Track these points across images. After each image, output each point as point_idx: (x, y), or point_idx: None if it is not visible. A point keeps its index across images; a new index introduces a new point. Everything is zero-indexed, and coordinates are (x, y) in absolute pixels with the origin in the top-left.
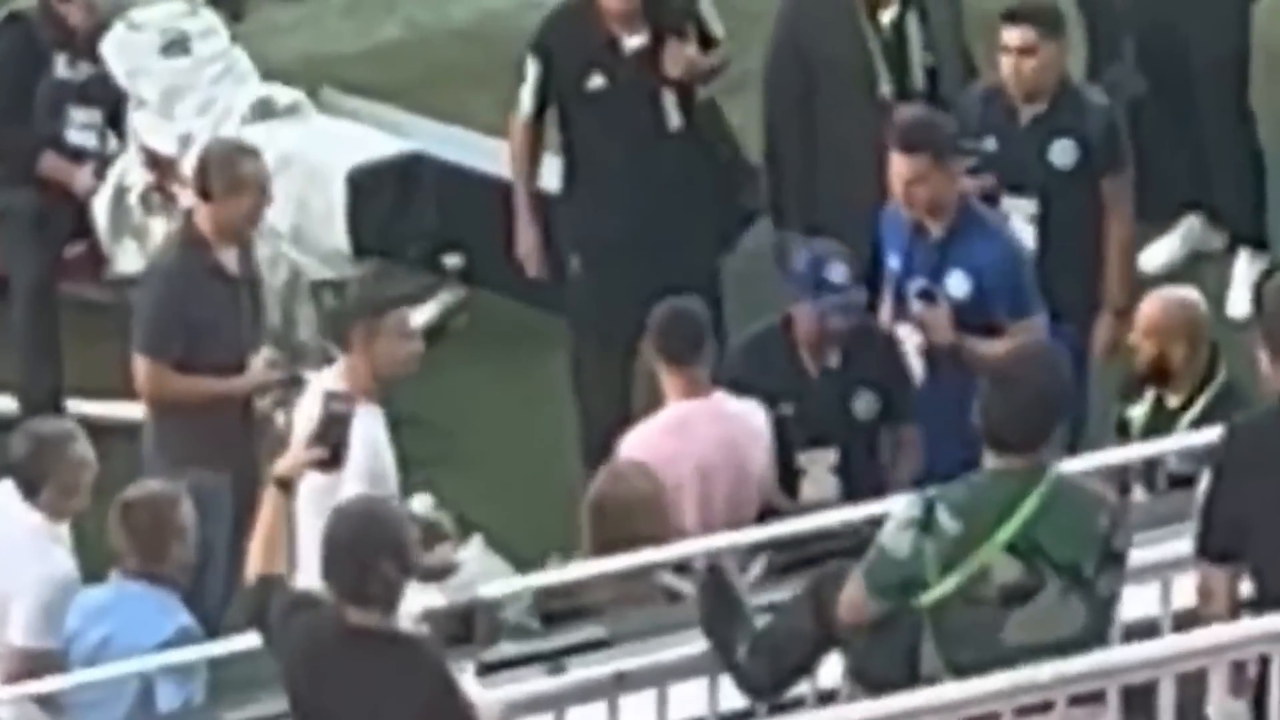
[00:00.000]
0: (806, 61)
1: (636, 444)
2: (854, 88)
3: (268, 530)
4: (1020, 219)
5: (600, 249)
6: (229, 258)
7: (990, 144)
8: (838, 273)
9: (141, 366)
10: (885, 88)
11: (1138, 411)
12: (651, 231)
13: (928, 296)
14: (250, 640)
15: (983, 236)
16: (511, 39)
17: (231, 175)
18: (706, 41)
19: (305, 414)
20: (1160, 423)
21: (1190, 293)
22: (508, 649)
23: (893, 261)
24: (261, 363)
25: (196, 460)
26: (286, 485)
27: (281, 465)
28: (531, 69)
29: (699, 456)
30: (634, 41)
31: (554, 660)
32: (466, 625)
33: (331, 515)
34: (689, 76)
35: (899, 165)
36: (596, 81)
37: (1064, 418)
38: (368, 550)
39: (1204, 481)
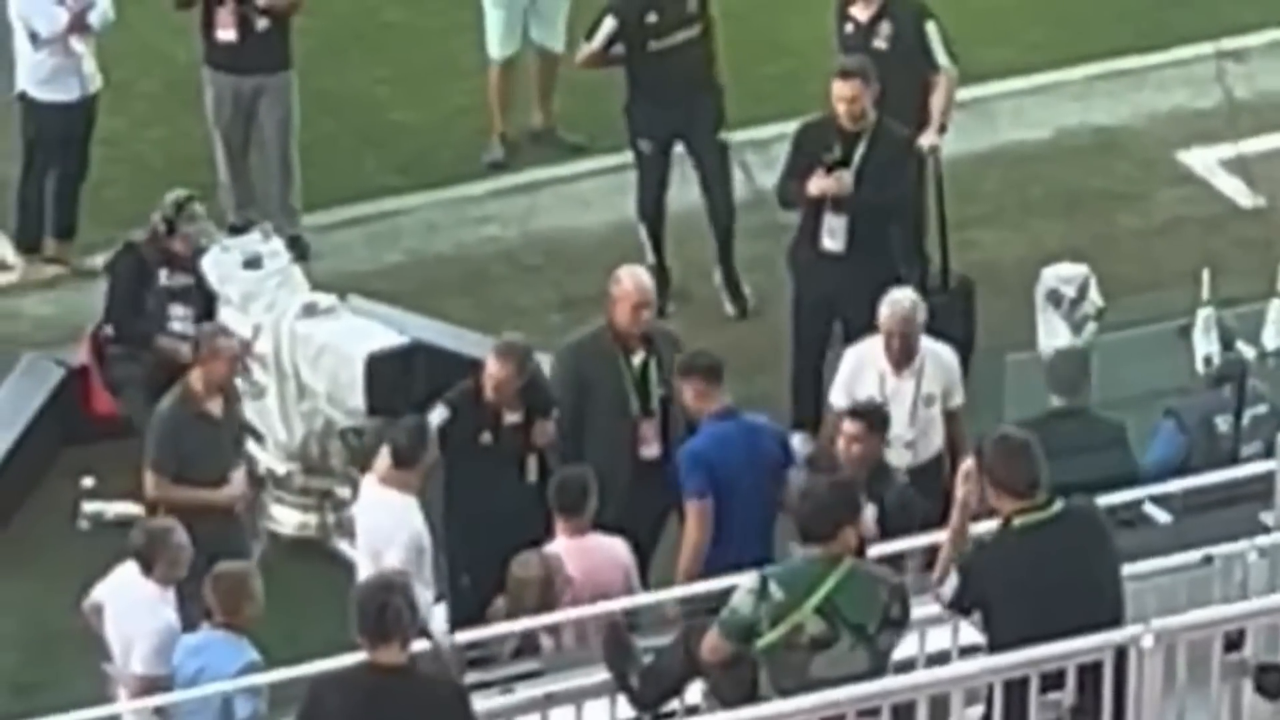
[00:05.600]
0: (582, 385)
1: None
2: (612, 404)
3: None
4: None
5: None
6: (214, 406)
7: None
8: None
9: (148, 478)
10: (634, 406)
11: None
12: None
13: None
14: (295, 671)
15: None
16: (478, 258)
17: (211, 346)
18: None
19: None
20: None
21: None
22: (472, 677)
23: None
24: (239, 477)
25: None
26: None
27: None
28: (440, 414)
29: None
30: (512, 418)
31: (505, 685)
32: None
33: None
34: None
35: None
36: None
37: (849, 520)
38: (385, 592)
39: (952, 580)
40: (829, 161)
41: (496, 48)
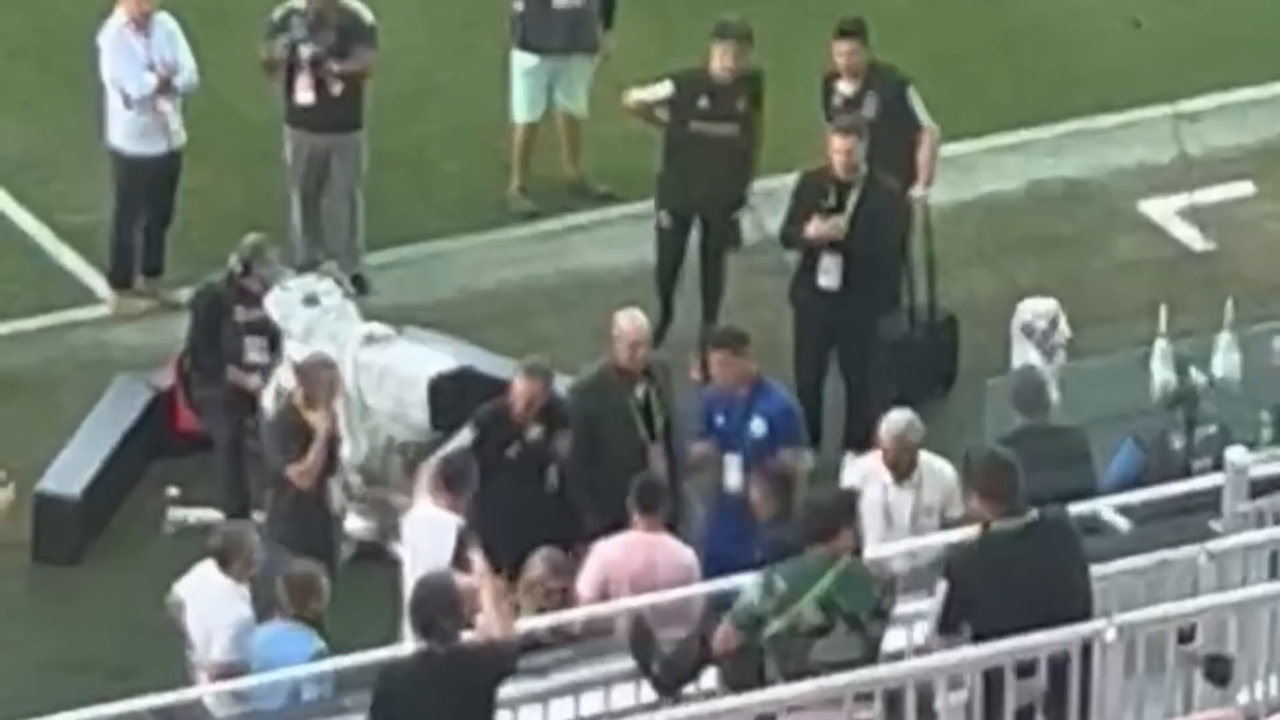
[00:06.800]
0: (593, 418)
1: (607, 545)
2: (622, 432)
3: None
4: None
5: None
6: (313, 418)
7: (720, 419)
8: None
9: (290, 470)
10: (641, 432)
11: None
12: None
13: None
14: (357, 658)
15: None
16: (518, 294)
17: (313, 375)
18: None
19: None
20: None
21: None
22: None
23: (718, 419)
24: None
25: (286, 541)
26: None
27: None
28: (470, 433)
29: (635, 569)
30: (534, 433)
31: (541, 670)
32: None
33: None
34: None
35: (713, 357)
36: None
37: (848, 523)
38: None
39: (941, 585)
40: (825, 208)
41: (522, 113)
